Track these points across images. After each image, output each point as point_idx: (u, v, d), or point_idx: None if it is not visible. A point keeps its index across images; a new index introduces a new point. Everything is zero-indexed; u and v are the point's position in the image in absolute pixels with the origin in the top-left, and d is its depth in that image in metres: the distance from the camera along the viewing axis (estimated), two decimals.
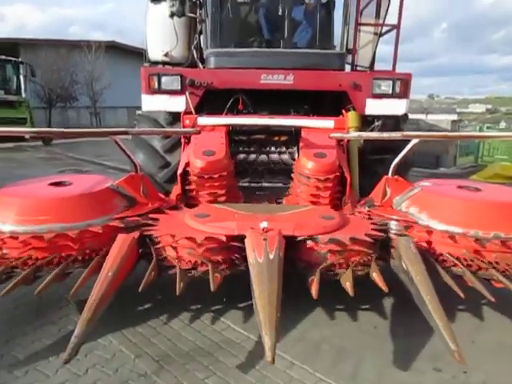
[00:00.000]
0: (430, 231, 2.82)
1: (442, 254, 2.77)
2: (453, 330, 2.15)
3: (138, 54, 23.79)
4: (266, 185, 4.04)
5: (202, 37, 4.59)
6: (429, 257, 2.75)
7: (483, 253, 2.66)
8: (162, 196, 3.49)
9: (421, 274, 2.39)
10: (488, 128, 11.43)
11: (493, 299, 2.51)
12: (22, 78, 17.40)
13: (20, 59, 18.20)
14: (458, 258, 2.70)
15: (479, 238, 2.66)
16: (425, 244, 2.83)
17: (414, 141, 3.02)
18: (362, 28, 4.69)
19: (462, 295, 2.49)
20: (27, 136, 12.86)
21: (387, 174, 3.34)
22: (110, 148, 13.97)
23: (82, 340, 2.11)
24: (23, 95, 17.07)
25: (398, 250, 2.60)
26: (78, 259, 2.68)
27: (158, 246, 2.69)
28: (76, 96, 22.36)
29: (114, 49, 24.14)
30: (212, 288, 2.45)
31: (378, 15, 4.73)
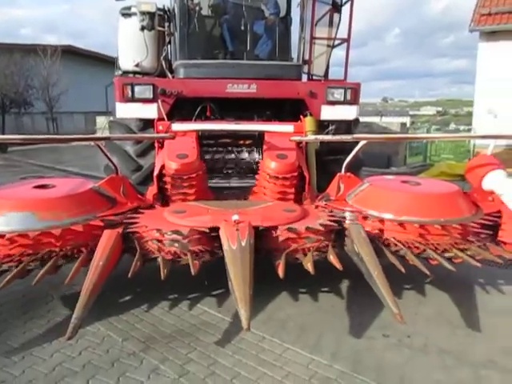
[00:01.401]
0: (377, 220, 3.30)
1: (388, 239, 3.24)
2: (395, 298, 2.60)
3: (95, 59, 23.39)
4: (234, 184, 4.40)
5: (170, 48, 4.90)
6: (377, 241, 3.21)
7: (422, 236, 3.15)
8: (140, 196, 3.79)
9: (369, 254, 2.83)
10: (435, 130, 12.34)
11: (428, 273, 2.99)
12: None
13: None
14: (400, 242, 3.18)
15: (416, 224, 3.16)
16: (374, 231, 3.29)
17: (362, 142, 3.50)
18: (317, 40, 5.17)
19: (403, 270, 2.95)
20: None
21: (341, 171, 3.81)
22: (70, 154, 13.81)
23: (81, 321, 2.41)
24: None
25: (351, 235, 3.03)
26: (66, 254, 2.94)
27: (141, 240, 3.00)
28: (31, 101, 21.77)
29: (70, 53, 23.72)
30: (192, 272, 2.79)
31: (331, 26, 5.22)
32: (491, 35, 10.06)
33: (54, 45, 22.40)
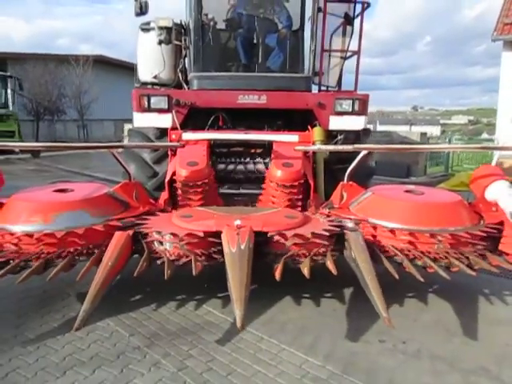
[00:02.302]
0: (377, 227, 3.39)
1: (387, 247, 3.32)
2: (385, 303, 2.70)
3: (125, 68, 24.19)
4: (244, 191, 4.57)
5: (186, 61, 5.15)
6: (376, 249, 3.30)
7: (420, 245, 3.22)
8: (152, 201, 4.02)
9: (365, 261, 2.94)
10: (457, 140, 12.21)
11: (422, 279, 3.06)
12: (9, 91, 17.76)
13: (8, 73, 18.58)
14: (399, 249, 3.26)
15: (415, 232, 3.23)
16: (374, 238, 3.39)
17: (364, 152, 3.60)
18: (331, 52, 5.32)
19: (396, 276, 3.03)
20: (17, 149, 13.23)
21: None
22: (97, 161, 14.33)
23: (89, 313, 2.62)
24: (10, 108, 17.43)
25: (349, 242, 3.15)
26: (82, 253, 3.17)
27: (149, 241, 3.20)
28: (64, 109, 22.69)
29: (101, 63, 24.63)
30: (194, 273, 2.96)
31: (344, 38, 5.37)
32: None
33: (86, 54, 23.34)
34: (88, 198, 3.38)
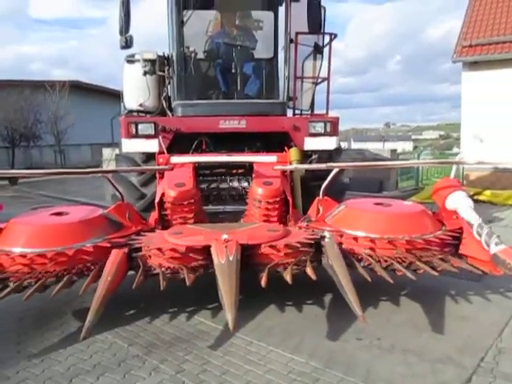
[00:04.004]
0: (350, 237, 3.75)
1: (360, 254, 3.68)
2: (359, 303, 3.04)
3: (101, 93, 24.18)
4: (228, 209, 4.89)
5: (169, 89, 5.50)
6: (351, 256, 3.65)
7: (385, 250, 3.60)
8: (143, 221, 4.29)
9: (340, 266, 3.28)
10: (425, 155, 12.90)
11: (391, 281, 3.42)
12: None
13: None
14: (371, 256, 3.62)
15: (385, 240, 3.61)
16: (348, 247, 3.74)
17: (335, 170, 4.01)
18: (304, 78, 5.75)
19: (369, 279, 3.39)
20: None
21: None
22: (76, 186, 14.33)
23: (93, 324, 2.88)
24: None
25: (326, 251, 3.49)
26: (80, 270, 3.41)
27: (144, 257, 3.47)
28: (40, 135, 22.57)
29: (77, 88, 24.70)
30: (187, 284, 3.24)
31: (314, 66, 5.82)
32: (473, 65, 10.70)
33: (63, 80, 23.40)
34: (86, 219, 3.63)
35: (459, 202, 3.96)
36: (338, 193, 4.91)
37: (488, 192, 9.57)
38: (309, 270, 3.40)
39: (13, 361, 3.05)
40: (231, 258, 3.16)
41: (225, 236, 3.42)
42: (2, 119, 19.87)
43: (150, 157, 5.04)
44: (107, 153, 15.64)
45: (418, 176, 11.97)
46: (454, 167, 4.35)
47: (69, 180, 15.53)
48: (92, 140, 24.29)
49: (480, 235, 3.51)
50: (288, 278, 3.30)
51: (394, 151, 11.45)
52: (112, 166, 6.35)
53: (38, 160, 23.22)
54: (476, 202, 9.19)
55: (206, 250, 3.41)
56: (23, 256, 3.36)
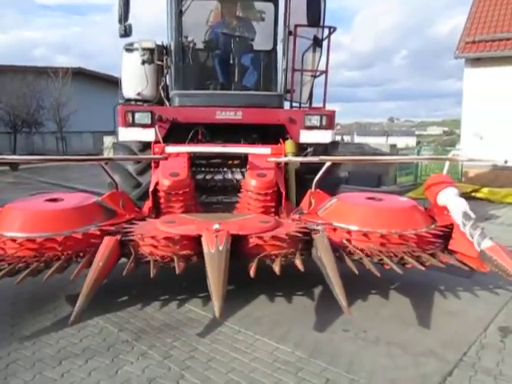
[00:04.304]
0: (340, 230, 3.78)
1: (349, 247, 3.71)
2: (345, 295, 3.09)
3: (104, 81, 24.18)
4: (222, 200, 4.92)
5: (167, 79, 5.52)
6: (341, 249, 3.69)
7: (380, 245, 3.63)
8: (137, 209, 4.33)
9: (329, 259, 3.32)
10: (425, 150, 12.90)
11: (378, 274, 3.46)
12: None
13: None
14: (361, 249, 3.65)
15: (374, 234, 3.65)
16: (339, 240, 3.77)
17: (328, 163, 4.04)
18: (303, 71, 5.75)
19: (356, 272, 3.43)
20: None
21: (320, 189, 4.33)
22: (77, 173, 14.39)
23: (83, 308, 2.94)
24: None
25: (316, 243, 3.53)
26: (72, 256, 3.46)
27: (136, 245, 3.52)
28: (42, 121, 22.61)
29: (80, 75, 24.68)
30: (177, 271, 3.29)
31: (313, 58, 5.83)
32: (475, 62, 10.66)
33: (65, 67, 23.37)
34: (79, 206, 3.68)
35: (450, 199, 3.98)
36: (332, 186, 4.94)
37: (486, 189, 9.59)
38: (297, 262, 3.44)
39: (5, 342, 3.11)
40: (221, 248, 3.20)
41: (216, 226, 3.46)
42: (5, 105, 19.88)
43: (146, 146, 5.07)
44: (108, 141, 15.69)
45: (417, 172, 11.96)
46: (447, 164, 4.38)
47: (69, 167, 15.58)
48: (94, 128, 24.32)
49: (468, 232, 3.54)
50: (276, 268, 3.35)
51: (393, 146, 11.45)
52: (112, 154, 6.37)
53: (40, 146, 23.27)
54: (473, 199, 9.29)
55: (197, 239, 3.46)
56: (14, 240, 3.41)
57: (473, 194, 9.49)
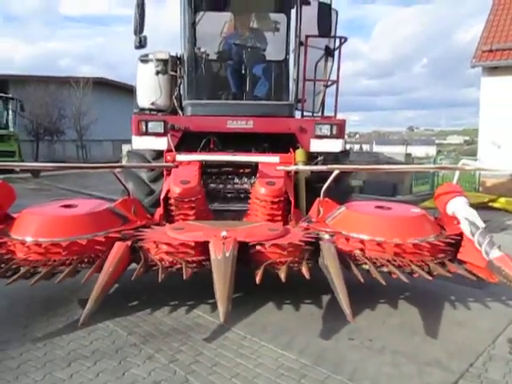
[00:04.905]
0: (349, 239, 3.80)
1: (357, 256, 3.73)
2: (350, 303, 3.11)
3: (124, 90, 24.61)
4: (233, 208, 4.99)
5: (181, 89, 5.65)
6: (348, 258, 3.71)
7: (383, 253, 3.64)
8: (149, 216, 4.44)
9: (335, 267, 3.35)
10: (441, 160, 12.76)
11: (384, 283, 3.46)
12: (10, 112, 18.30)
13: (10, 95, 19.14)
14: (368, 258, 3.66)
15: (382, 243, 3.65)
16: (346, 249, 3.79)
17: (336, 172, 4.07)
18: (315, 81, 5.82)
19: (362, 280, 3.44)
20: (17, 169, 13.66)
21: (330, 198, 4.36)
22: (96, 180, 14.69)
23: (92, 311, 3.02)
24: (11, 129, 17.91)
25: (323, 251, 3.56)
26: (84, 261, 3.57)
27: (145, 250, 3.60)
28: (63, 130, 23.20)
29: (101, 84, 25.29)
30: (185, 277, 3.36)
31: (325, 68, 5.89)
32: (492, 70, 10.55)
33: (87, 77, 23.99)
34: (91, 212, 3.79)
35: (459, 208, 3.96)
36: (343, 195, 4.96)
37: (503, 199, 9.43)
38: (304, 270, 3.47)
39: (18, 343, 3.22)
40: (227, 254, 3.26)
41: (224, 233, 3.53)
42: (28, 114, 20.48)
43: (160, 154, 5.20)
44: (126, 149, 15.98)
45: (434, 181, 11.84)
46: (457, 173, 4.36)
47: (88, 174, 15.86)
48: (114, 136, 24.79)
49: (476, 241, 3.51)
50: (282, 276, 3.39)
51: (408, 155, 11.38)
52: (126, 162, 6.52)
53: (61, 154, 23.84)
54: (490, 209, 9.15)
55: (205, 246, 3.52)
56: (28, 244, 3.53)
57: (490, 204, 9.34)
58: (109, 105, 24.69)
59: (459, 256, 3.81)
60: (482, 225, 3.66)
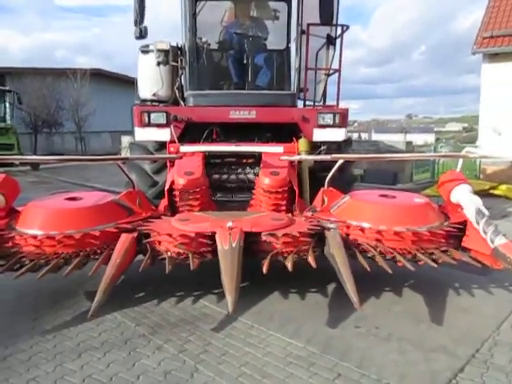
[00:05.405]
0: (353, 227, 3.81)
1: (362, 245, 3.74)
2: (356, 291, 3.13)
3: (122, 81, 24.51)
4: (237, 198, 5.00)
5: (182, 79, 5.61)
6: (354, 247, 3.73)
7: (388, 241, 3.65)
8: (153, 207, 4.44)
9: (341, 255, 3.37)
10: (442, 147, 12.76)
11: (390, 271, 3.49)
12: (8, 105, 18.19)
13: (7, 87, 19.00)
14: (370, 245, 3.68)
15: (386, 231, 3.67)
16: (352, 238, 3.81)
17: (340, 161, 4.07)
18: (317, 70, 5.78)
19: (368, 269, 3.46)
20: (17, 162, 13.61)
21: (333, 187, 4.36)
22: (96, 172, 14.66)
23: (101, 303, 3.04)
24: (9, 122, 17.82)
25: (328, 240, 3.57)
26: (90, 253, 3.58)
27: (152, 242, 3.62)
28: (61, 122, 23.07)
29: (98, 76, 25.10)
30: (192, 268, 3.38)
31: (327, 57, 5.85)
32: (493, 57, 10.50)
33: (84, 68, 23.80)
34: (97, 204, 3.80)
35: (463, 196, 3.97)
36: (346, 184, 4.97)
37: (504, 186, 9.44)
38: (310, 259, 3.49)
39: (28, 335, 3.24)
40: (234, 245, 3.27)
41: (229, 223, 3.54)
42: (26, 106, 20.34)
43: (162, 145, 5.18)
44: (126, 140, 15.93)
45: (434, 169, 11.84)
46: (461, 161, 4.35)
47: (88, 167, 15.83)
48: (112, 127, 24.72)
49: (481, 229, 3.53)
50: (289, 265, 3.41)
51: (409, 143, 11.36)
52: (129, 154, 6.52)
53: (60, 146, 23.73)
54: (491, 196, 9.16)
55: (211, 237, 3.53)
56: (34, 237, 3.54)
57: (490, 191, 9.36)
58: (107, 96, 24.57)
59: (464, 243, 3.83)
60: (486, 213, 3.67)
